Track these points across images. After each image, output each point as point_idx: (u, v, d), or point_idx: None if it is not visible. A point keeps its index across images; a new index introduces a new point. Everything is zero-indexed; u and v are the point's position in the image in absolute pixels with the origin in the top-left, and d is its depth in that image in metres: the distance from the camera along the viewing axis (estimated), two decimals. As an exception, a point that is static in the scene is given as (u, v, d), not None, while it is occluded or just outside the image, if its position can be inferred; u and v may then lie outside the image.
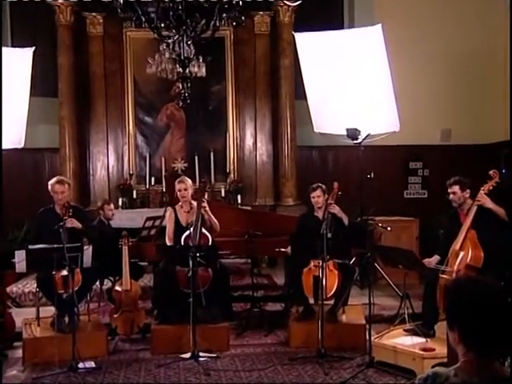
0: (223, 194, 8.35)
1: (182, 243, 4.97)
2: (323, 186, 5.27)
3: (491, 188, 4.52)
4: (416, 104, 8.68)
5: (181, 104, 5.61)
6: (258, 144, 8.69)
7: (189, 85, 5.19)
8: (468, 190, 4.64)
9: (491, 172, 4.56)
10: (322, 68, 6.22)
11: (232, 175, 8.59)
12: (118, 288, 5.16)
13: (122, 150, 8.56)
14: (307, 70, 6.39)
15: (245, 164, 8.73)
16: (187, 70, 5.15)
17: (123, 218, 7.13)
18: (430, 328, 4.51)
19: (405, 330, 4.63)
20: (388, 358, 4.37)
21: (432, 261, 4.76)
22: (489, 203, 4.44)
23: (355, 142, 5.31)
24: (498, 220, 4.44)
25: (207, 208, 5.14)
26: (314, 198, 5.23)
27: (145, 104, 8.55)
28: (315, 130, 6.55)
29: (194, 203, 5.18)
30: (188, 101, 5.29)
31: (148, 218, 6.18)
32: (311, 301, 4.96)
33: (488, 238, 4.41)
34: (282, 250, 5.29)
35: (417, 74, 8.78)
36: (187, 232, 4.99)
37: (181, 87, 5.19)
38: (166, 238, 5.24)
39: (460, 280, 1.67)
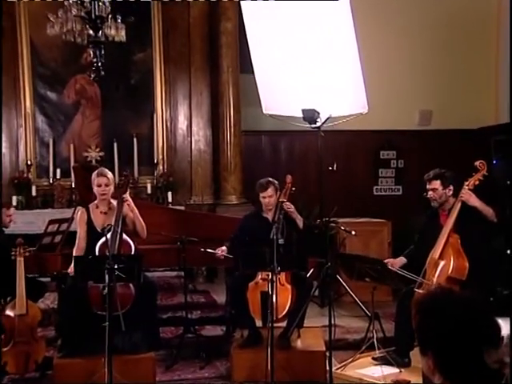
0: (149, 191, 8.29)
1: (97, 252, 4.89)
2: (276, 183, 5.28)
3: (477, 182, 4.65)
4: (389, 80, 8.84)
5: (93, 76, 5.51)
6: (194, 128, 8.65)
7: (103, 52, 5.09)
8: (451, 187, 4.75)
9: (478, 163, 4.69)
10: (273, 36, 6.23)
11: (161, 167, 8.53)
12: (9, 312, 4.99)
13: (16, 133, 8.34)
14: (255, 38, 6.39)
15: (177, 153, 8.68)
16: (100, 33, 5.05)
17: (19, 222, 6.92)
18: (404, 355, 4.61)
19: (374, 359, 4.71)
20: (353, 392, 4.43)
21: (396, 262, 4.89)
22: (474, 200, 4.56)
23: (313, 126, 5.36)
24: (486, 222, 4.57)
25: (131, 204, 5.09)
26: (264, 198, 5.24)
27: (46, 75, 8.36)
28: (264, 112, 6.56)
29: (114, 202, 5.13)
30: (102, 72, 5.20)
31: (51, 221, 6.05)
32: (259, 323, 4.98)
33: (474, 244, 4.53)
34: (210, 250, 5.26)
35: (389, 44, 8.94)
36: (103, 238, 4.89)
37: (92, 55, 5.09)
38: (76, 247, 5.13)
39: (434, 294, 1.70)
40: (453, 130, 9.09)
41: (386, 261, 4.95)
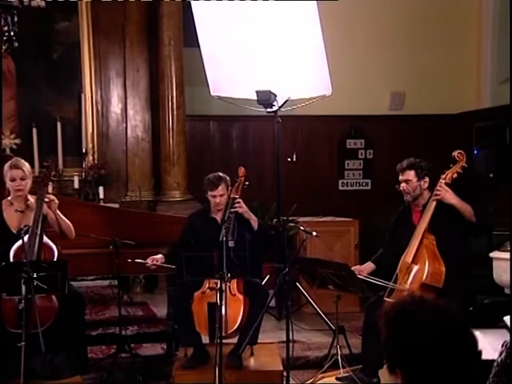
0: (77, 186, 8.20)
1: (11, 258, 4.81)
2: (227, 179, 5.28)
3: (455, 175, 4.73)
4: (356, 59, 8.91)
5: (5, 47, 5.38)
6: (130, 112, 8.58)
7: (16, 19, 4.98)
8: (426, 179, 4.84)
9: (456, 153, 4.78)
10: (223, 8, 6.22)
11: (90, 157, 8.44)
12: None
13: None
14: (201, 11, 6.36)
15: (110, 141, 8.62)
16: (13, -4, 4.95)
17: None
18: (372, 375, 4.67)
19: (338, 379, 4.76)
20: (314, 417, 4.47)
21: (363, 269, 4.96)
22: (451, 197, 4.64)
23: (269, 110, 5.37)
24: (464, 221, 4.64)
25: (55, 201, 5.02)
26: (214, 197, 5.23)
27: None
28: (212, 93, 6.55)
29: (32, 199, 5.06)
30: (16, 43, 5.09)
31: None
32: (205, 339, 4.99)
33: (451, 247, 4.62)
34: (138, 260, 5.22)
35: (356, 18, 8.98)
36: (19, 242, 4.82)
37: (3, 22, 4.98)
38: None
39: (403, 302, 1.72)
40: (428, 115, 9.21)
41: (353, 268, 5.00)
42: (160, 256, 5.23)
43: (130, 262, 5.36)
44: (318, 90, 5.93)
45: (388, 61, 9.13)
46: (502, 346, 2.29)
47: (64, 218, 5.11)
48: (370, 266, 5.08)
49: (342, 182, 9.43)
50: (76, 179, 8.21)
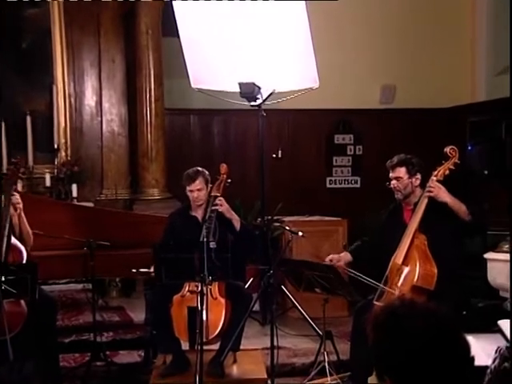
0: (49, 183, 8.16)
1: (-22, 261, 4.79)
2: (206, 173, 5.31)
3: (447, 172, 4.75)
4: (345, 50, 8.93)
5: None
6: (105, 105, 8.55)
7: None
8: (418, 175, 4.86)
9: (448, 149, 4.79)
10: (206, 3, 6.21)
11: (63, 153, 8.40)
12: None
13: None
14: (182, 4, 6.34)
15: (84, 136, 8.58)
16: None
17: None
18: (361, 381, 4.67)
19: (325, 387, 4.76)
20: (300, 428, 4.48)
21: (341, 259, 5.02)
22: (444, 195, 4.65)
23: (253, 103, 5.36)
24: (457, 220, 4.66)
25: (20, 202, 4.99)
26: (192, 191, 5.26)
27: None
28: (193, 86, 6.53)
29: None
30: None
31: None
32: (185, 345, 4.99)
33: (443, 247, 4.63)
34: (143, 270, 5.23)
35: (346, 9, 8.97)
36: (-14, 244, 4.82)
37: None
38: None
39: (392, 306, 1.72)
40: (420, 109, 9.24)
41: (328, 258, 5.02)
42: None
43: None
44: (304, 83, 5.92)
45: (378, 52, 9.15)
46: (496, 351, 2.30)
47: (26, 222, 5.08)
48: (347, 256, 5.10)
49: (330, 180, 9.44)
50: (47, 176, 8.16)
